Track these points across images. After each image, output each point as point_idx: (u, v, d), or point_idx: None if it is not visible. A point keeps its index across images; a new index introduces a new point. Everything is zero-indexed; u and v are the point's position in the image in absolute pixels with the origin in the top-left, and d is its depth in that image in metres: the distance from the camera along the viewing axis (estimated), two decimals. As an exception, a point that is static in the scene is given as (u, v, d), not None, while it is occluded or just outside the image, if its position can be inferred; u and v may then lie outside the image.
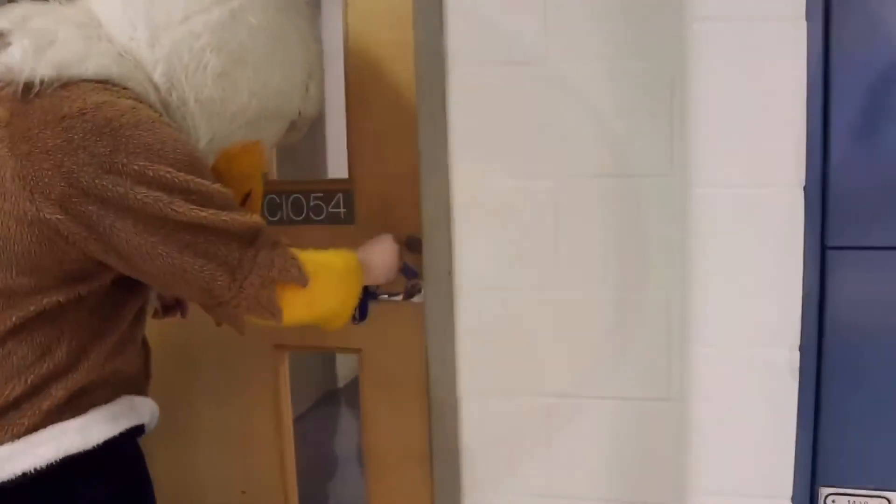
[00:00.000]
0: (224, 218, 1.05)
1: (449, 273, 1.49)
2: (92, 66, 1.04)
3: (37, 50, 1.01)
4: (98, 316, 1.08)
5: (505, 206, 1.45)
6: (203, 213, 1.02)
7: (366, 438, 1.74)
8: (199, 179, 1.04)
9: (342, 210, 1.68)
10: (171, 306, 1.48)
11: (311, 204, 1.70)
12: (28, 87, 1.00)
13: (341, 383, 3.75)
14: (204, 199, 1.04)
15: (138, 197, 0.98)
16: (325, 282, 1.21)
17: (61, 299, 1.03)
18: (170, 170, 1.01)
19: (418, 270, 1.54)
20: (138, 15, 1.10)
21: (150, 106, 1.08)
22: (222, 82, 1.13)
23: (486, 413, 1.53)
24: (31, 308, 1.02)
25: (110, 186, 0.97)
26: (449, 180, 1.47)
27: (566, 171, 1.41)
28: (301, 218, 1.71)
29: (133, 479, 1.19)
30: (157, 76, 1.10)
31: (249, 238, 1.09)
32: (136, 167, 0.98)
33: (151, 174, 0.99)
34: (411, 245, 1.55)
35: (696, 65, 1.02)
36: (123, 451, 1.15)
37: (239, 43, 1.14)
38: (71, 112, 0.98)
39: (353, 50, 1.63)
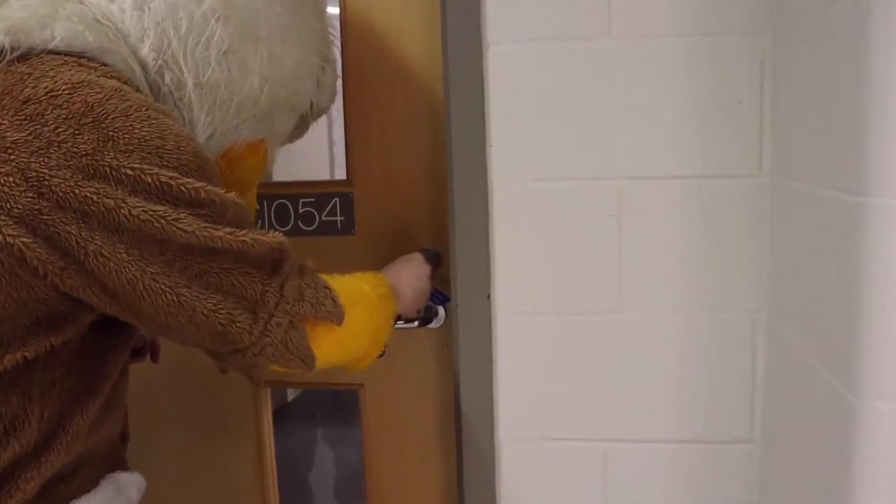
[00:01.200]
0: (243, 238, 0.81)
1: (487, 296, 1.22)
2: (60, 32, 0.77)
3: None
4: (76, 374, 0.83)
5: (556, 215, 1.19)
6: (218, 233, 0.79)
7: (370, 485, 1.47)
8: (210, 188, 0.79)
9: (339, 218, 1.40)
10: (140, 349, 1.19)
11: (301, 211, 1.41)
12: None
13: (290, 397, 3.44)
14: (217, 214, 0.80)
15: (133, 212, 0.74)
16: (357, 315, 0.98)
17: (27, 355, 0.77)
18: (174, 175, 0.76)
19: (448, 294, 1.27)
20: None
21: (138, 89, 0.82)
22: (229, 61, 0.88)
23: (529, 461, 1.28)
24: None
25: (94, 197, 0.73)
26: (487, 182, 1.20)
27: (632, 172, 1.17)
28: (287, 228, 1.42)
29: None
30: (146, 50, 0.84)
31: (273, 264, 0.86)
32: (129, 171, 0.74)
33: (150, 180, 0.75)
34: (429, 260, 1.29)
35: (888, 36, 0.77)
36: None
37: (251, 11, 0.90)
38: (36, 95, 0.73)
39: (351, 22, 1.34)
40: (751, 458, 1.21)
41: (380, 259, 1.33)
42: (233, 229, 0.80)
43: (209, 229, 0.78)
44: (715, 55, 1.12)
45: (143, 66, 0.85)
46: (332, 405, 3.54)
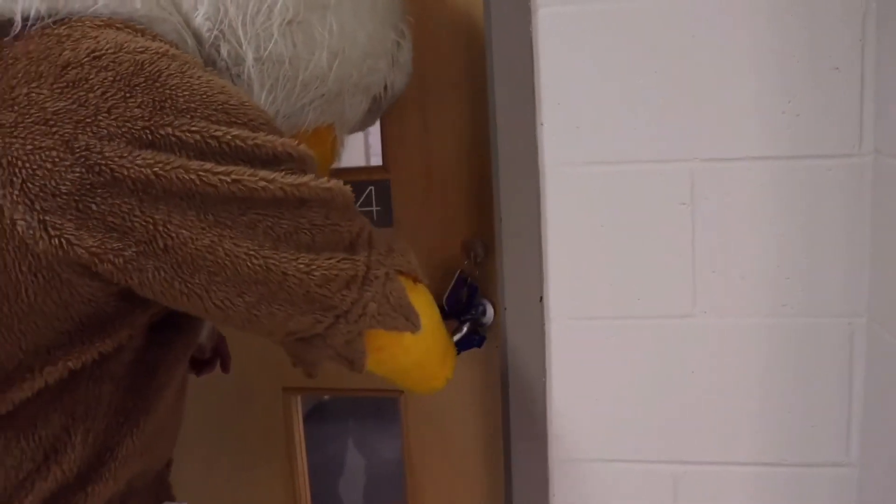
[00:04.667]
0: (328, 186, 0.73)
1: (539, 299, 1.09)
2: None
3: None
4: (125, 389, 0.75)
5: (618, 203, 1.06)
6: (302, 179, 0.71)
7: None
8: (284, 140, 0.71)
9: (375, 209, 1.28)
10: (207, 360, 1.12)
11: (332, 202, 1.28)
12: (4, 27, 0.68)
13: (327, 395, 3.36)
14: (298, 169, 0.72)
15: (202, 174, 0.66)
16: (425, 302, 0.91)
17: (72, 365, 0.69)
18: (243, 131, 0.68)
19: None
20: None
21: None
22: (293, 33, 0.80)
23: (587, 486, 1.14)
24: (25, 385, 0.68)
25: (155, 165, 0.65)
26: (538, 165, 1.06)
27: (707, 152, 1.02)
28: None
29: None
30: (200, 19, 0.76)
31: (352, 212, 0.78)
32: (193, 129, 0.66)
33: (220, 136, 0.66)
34: (470, 251, 1.17)
35: None
36: None
37: None
38: (77, 57, 0.65)
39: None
40: (847, 484, 1.07)
41: (420, 255, 1.21)
42: (313, 176, 0.72)
43: (292, 178, 0.69)
44: (806, 11, 0.97)
45: (197, 37, 0.76)
46: (371, 403, 3.45)
